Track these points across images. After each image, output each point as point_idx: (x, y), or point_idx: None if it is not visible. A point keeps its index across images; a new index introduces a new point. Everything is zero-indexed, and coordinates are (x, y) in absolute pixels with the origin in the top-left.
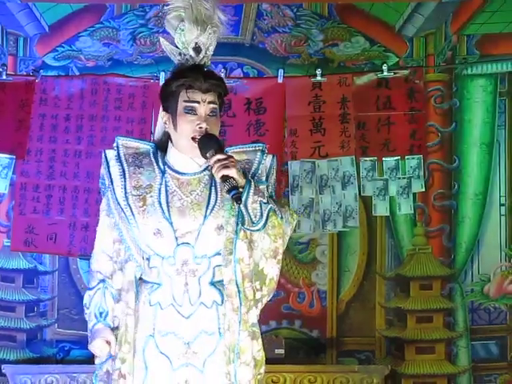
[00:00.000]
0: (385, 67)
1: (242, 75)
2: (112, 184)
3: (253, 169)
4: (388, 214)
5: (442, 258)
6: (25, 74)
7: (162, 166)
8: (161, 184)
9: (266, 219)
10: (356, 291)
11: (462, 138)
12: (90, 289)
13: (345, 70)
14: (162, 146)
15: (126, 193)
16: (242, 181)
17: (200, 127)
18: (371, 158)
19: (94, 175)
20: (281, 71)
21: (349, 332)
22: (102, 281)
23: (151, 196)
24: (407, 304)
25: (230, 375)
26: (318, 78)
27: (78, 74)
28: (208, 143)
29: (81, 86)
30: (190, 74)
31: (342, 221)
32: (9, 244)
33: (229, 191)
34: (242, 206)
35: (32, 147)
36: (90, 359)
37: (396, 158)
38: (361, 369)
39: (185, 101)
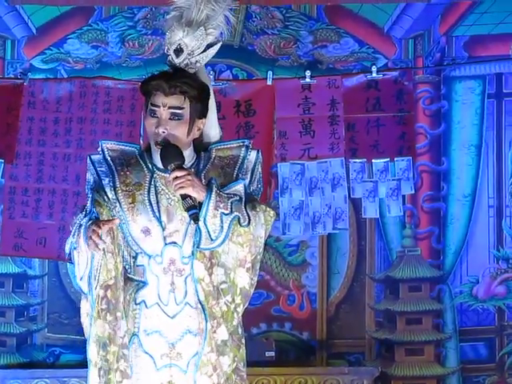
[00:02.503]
0: (374, 69)
1: (231, 77)
2: (100, 180)
3: (238, 164)
4: (377, 216)
5: (431, 259)
6: (12, 76)
7: (150, 166)
8: (150, 183)
9: (227, 232)
10: (346, 293)
11: (450, 139)
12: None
13: (334, 72)
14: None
15: (115, 187)
16: (201, 196)
17: (157, 131)
18: (361, 160)
19: (83, 178)
20: (270, 73)
21: (339, 334)
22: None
23: (141, 194)
24: (397, 306)
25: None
26: (308, 79)
27: (66, 76)
28: (168, 156)
29: (69, 89)
30: (158, 78)
31: (331, 223)
32: None
33: (187, 210)
34: (201, 222)
35: (21, 151)
36: (80, 363)
37: (385, 159)
38: (351, 371)
39: (150, 103)
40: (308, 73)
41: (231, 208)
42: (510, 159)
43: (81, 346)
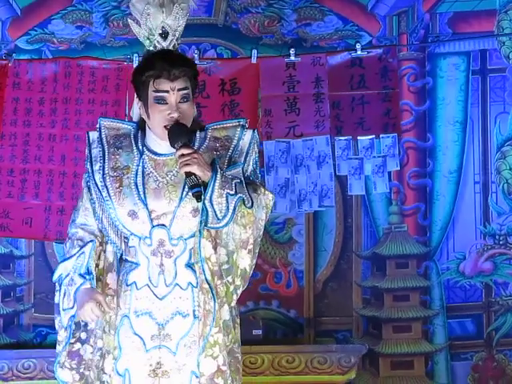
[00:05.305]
0: (358, 46)
1: (215, 56)
2: (91, 165)
3: (232, 145)
4: (363, 193)
5: (418, 236)
6: None
7: (140, 147)
8: (138, 165)
9: (233, 212)
10: (333, 271)
11: (435, 116)
12: (68, 258)
13: (318, 50)
14: (143, 125)
15: (103, 174)
16: (206, 175)
17: (171, 116)
18: (346, 138)
19: (68, 158)
20: (254, 51)
21: (326, 312)
22: (83, 246)
23: (128, 177)
24: (384, 283)
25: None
26: (292, 57)
27: (51, 57)
28: (176, 135)
29: (54, 70)
30: (158, 63)
31: (317, 200)
32: None
33: (190, 188)
34: (207, 202)
35: (6, 131)
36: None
37: (371, 137)
38: (338, 348)
39: (154, 91)
40: (292, 51)
41: (235, 189)
42: (496, 135)
43: None
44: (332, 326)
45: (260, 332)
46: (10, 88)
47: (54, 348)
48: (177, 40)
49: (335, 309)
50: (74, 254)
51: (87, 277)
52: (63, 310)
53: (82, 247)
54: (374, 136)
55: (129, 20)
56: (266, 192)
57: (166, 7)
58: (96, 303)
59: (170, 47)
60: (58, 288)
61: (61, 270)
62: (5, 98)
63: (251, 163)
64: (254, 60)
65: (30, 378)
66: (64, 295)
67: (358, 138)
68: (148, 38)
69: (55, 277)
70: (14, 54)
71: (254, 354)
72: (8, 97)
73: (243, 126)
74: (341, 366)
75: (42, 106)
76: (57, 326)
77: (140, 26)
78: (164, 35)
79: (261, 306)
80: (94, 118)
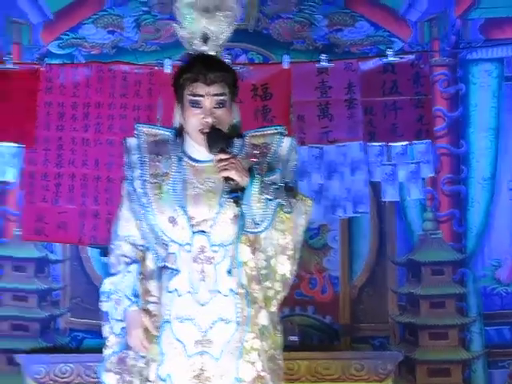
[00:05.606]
0: (390, 52)
1: (247, 61)
2: (131, 172)
3: (271, 152)
4: (398, 199)
5: (453, 242)
6: (30, 62)
7: (179, 154)
8: (177, 172)
9: (272, 218)
10: (368, 276)
11: (468, 122)
12: (115, 274)
13: (349, 56)
14: (182, 131)
15: (144, 181)
16: (244, 181)
17: (205, 121)
18: (379, 144)
19: (102, 163)
20: (286, 57)
21: (362, 318)
22: (131, 263)
23: (167, 184)
24: (419, 289)
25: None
26: (324, 63)
27: (83, 61)
28: (214, 140)
29: (86, 74)
30: (195, 67)
31: (352, 206)
32: (19, 233)
33: (229, 193)
34: (245, 206)
35: (39, 135)
36: (103, 348)
37: (404, 143)
38: (375, 355)
39: (189, 94)
40: (324, 56)
41: (274, 194)
42: None
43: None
44: (368, 333)
45: (296, 338)
46: (43, 92)
47: (91, 353)
48: (220, 47)
49: (371, 315)
50: (120, 272)
51: (133, 299)
52: (115, 320)
53: (127, 265)
54: (407, 142)
55: (174, 25)
56: (305, 198)
57: (210, 13)
58: (143, 330)
59: (211, 52)
60: (105, 298)
61: (108, 284)
62: (38, 102)
63: (290, 170)
64: (285, 65)
65: (67, 383)
66: (115, 308)
67: (391, 144)
68: (189, 42)
69: (103, 289)
70: (46, 59)
71: (291, 360)
72: (41, 101)
73: (281, 133)
74: (377, 373)
75: (74, 110)
76: (106, 333)
77: (183, 29)
78: (205, 40)
79: (296, 312)
80: (126, 122)
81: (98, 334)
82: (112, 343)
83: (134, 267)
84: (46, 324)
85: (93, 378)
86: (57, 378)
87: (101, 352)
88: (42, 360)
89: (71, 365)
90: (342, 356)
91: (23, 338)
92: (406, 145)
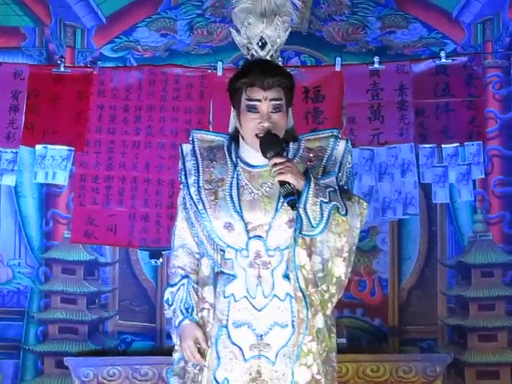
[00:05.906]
0: (442, 54)
1: (299, 64)
2: (186, 178)
3: (326, 156)
4: (448, 201)
5: (503, 244)
6: (83, 65)
7: (234, 159)
8: (232, 178)
9: (327, 220)
10: (417, 279)
11: None
12: (172, 285)
13: (402, 58)
14: (237, 137)
15: (198, 187)
16: (300, 184)
17: (262, 125)
18: (430, 145)
19: (153, 166)
20: (338, 59)
21: (411, 320)
22: (185, 276)
23: (223, 190)
24: (469, 292)
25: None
26: (376, 65)
27: (135, 64)
28: (268, 144)
29: (138, 77)
30: (252, 72)
31: (401, 208)
32: (69, 236)
33: (285, 197)
34: (301, 209)
35: (91, 138)
36: (151, 351)
37: (455, 144)
38: (424, 357)
39: (246, 99)
40: (376, 58)
41: (329, 197)
42: None
43: (151, 334)
44: (416, 335)
45: (344, 340)
46: (95, 95)
47: (139, 355)
48: (276, 52)
49: (420, 317)
50: (176, 284)
51: (185, 313)
52: (175, 327)
53: (182, 278)
54: (458, 144)
55: (231, 30)
56: (361, 200)
57: (268, 18)
58: (194, 340)
59: (268, 57)
60: (167, 307)
61: (168, 294)
62: (90, 105)
63: (345, 173)
64: (337, 68)
65: None
66: (173, 318)
67: (443, 145)
68: (246, 47)
69: (165, 298)
70: (99, 62)
71: (339, 362)
72: (93, 104)
73: (336, 137)
74: (426, 376)
75: (126, 113)
76: (174, 339)
77: (240, 34)
78: (262, 45)
79: (345, 314)
80: (177, 125)
81: (146, 336)
82: (179, 347)
83: (186, 281)
84: (94, 327)
85: (140, 380)
86: (105, 381)
87: (149, 354)
88: (90, 363)
89: (119, 367)
90: (390, 358)
91: (72, 340)
92: (457, 146)
